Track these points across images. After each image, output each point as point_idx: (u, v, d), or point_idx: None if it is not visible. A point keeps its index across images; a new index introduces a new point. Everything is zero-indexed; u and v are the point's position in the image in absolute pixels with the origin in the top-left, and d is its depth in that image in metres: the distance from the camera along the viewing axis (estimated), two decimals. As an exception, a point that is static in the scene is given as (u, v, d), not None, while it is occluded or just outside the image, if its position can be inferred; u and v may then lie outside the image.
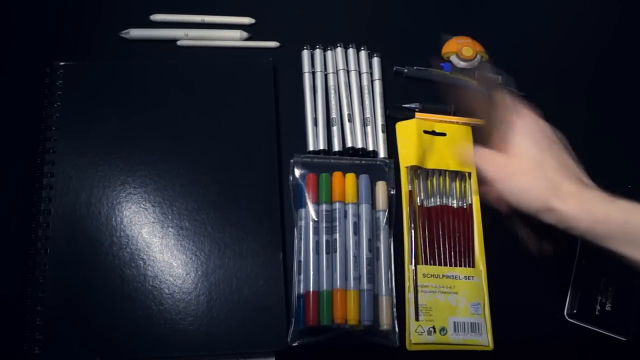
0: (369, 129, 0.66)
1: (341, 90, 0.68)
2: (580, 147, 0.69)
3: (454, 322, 0.58)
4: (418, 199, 0.63)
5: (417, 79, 0.70)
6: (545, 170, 0.48)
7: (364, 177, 0.61)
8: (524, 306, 0.61)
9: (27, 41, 0.67)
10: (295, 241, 0.59)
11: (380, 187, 0.62)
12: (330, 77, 0.68)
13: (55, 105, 0.62)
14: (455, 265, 0.61)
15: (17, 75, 0.65)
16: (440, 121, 0.67)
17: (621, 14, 0.79)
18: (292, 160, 0.62)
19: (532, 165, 0.48)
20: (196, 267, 0.58)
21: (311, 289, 0.57)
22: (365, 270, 0.58)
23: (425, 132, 0.66)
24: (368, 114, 0.66)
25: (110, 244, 0.58)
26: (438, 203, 0.63)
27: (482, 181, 0.52)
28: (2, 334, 0.55)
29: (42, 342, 0.54)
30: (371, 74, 0.69)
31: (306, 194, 0.60)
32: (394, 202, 0.62)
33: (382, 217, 0.61)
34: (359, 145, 0.65)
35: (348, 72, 0.69)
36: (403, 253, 0.61)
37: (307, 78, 0.68)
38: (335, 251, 0.58)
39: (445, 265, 0.61)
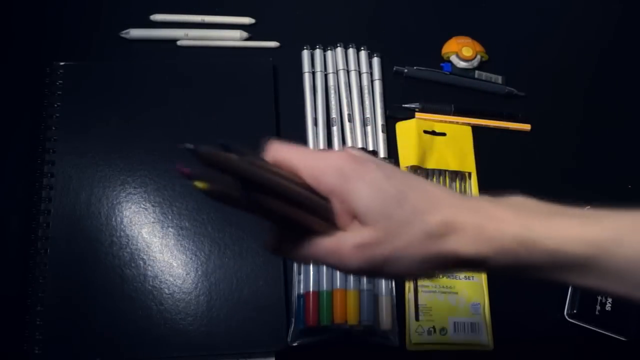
0: (369, 129, 0.66)
1: (341, 90, 0.68)
2: (579, 147, 0.70)
3: (454, 322, 0.58)
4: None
5: (417, 79, 0.70)
6: (418, 219, 0.32)
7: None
8: (524, 306, 0.61)
9: (27, 41, 0.67)
10: (295, 241, 0.59)
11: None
12: (330, 77, 0.68)
13: (56, 105, 0.62)
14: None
15: (17, 75, 0.65)
16: (440, 121, 0.67)
17: (621, 14, 0.79)
18: (292, 160, 0.62)
19: (394, 223, 0.32)
20: (196, 267, 0.58)
21: (311, 289, 0.57)
22: (365, 270, 0.58)
23: (425, 132, 0.66)
24: (368, 114, 0.66)
25: (110, 244, 0.58)
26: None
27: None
28: (2, 334, 0.55)
29: (42, 342, 0.54)
30: (371, 74, 0.69)
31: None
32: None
33: (382, 217, 0.61)
34: (359, 145, 0.65)
35: (348, 72, 0.69)
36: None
37: (307, 78, 0.68)
38: (335, 251, 0.58)
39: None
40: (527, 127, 0.68)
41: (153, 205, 0.60)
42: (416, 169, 0.64)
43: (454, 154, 0.66)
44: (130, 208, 0.59)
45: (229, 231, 0.59)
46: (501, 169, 0.66)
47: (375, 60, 0.70)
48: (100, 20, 0.69)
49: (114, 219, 0.59)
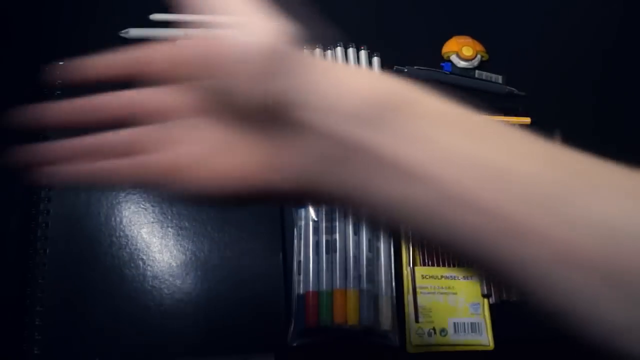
0: (368, 128, 0.66)
1: (341, 90, 0.68)
2: (580, 147, 0.70)
3: (454, 323, 0.58)
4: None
5: (418, 79, 0.70)
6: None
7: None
8: (523, 305, 0.61)
9: (25, 40, 0.67)
10: (295, 241, 0.59)
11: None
12: (330, 77, 0.68)
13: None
14: (454, 266, 0.61)
15: (15, 74, 0.64)
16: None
17: (624, 14, 0.79)
18: (291, 160, 0.62)
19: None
20: (196, 267, 0.58)
21: (311, 289, 0.57)
22: (365, 271, 0.58)
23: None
24: (368, 114, 0.66)
25: (110, 244, 0.58)
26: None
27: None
28: (1, 334, 0.55)
29: (42, 342, 0.54)
30: (371, 73, 0.69)
31: (306, 194, 0.60)
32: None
33: (382, 217, 0.61)
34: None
35: (348, 71, 0.69)
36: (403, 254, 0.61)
37: (306, 77, 0.67)
38: (335, 251, 0.58)
39: (444, 265, 0.61)
40: (527, 120, 0.68)
41: (152, 205, 0.60)
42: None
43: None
44: (130, 208, 0.59)
45: (229, 231, 0.59)
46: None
47: (375, 60, 0.70)
48: (100, 19, 0.69)
49: (113, 219, 0.59)
